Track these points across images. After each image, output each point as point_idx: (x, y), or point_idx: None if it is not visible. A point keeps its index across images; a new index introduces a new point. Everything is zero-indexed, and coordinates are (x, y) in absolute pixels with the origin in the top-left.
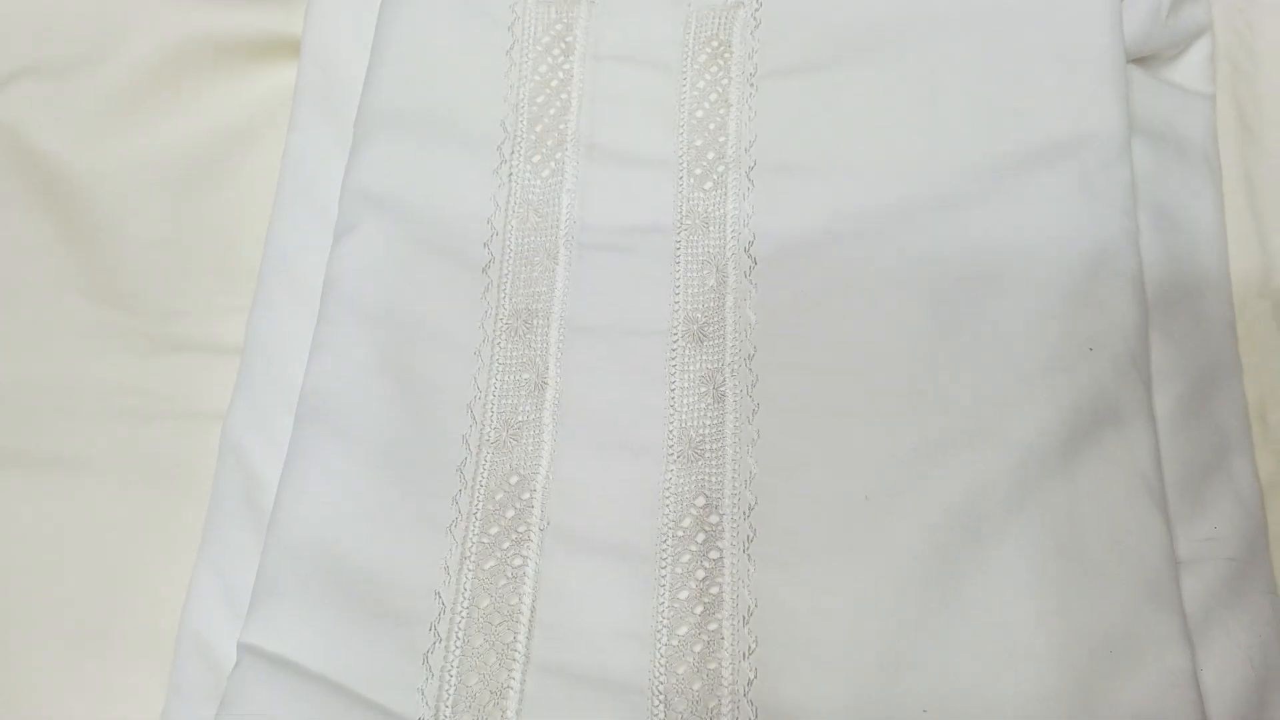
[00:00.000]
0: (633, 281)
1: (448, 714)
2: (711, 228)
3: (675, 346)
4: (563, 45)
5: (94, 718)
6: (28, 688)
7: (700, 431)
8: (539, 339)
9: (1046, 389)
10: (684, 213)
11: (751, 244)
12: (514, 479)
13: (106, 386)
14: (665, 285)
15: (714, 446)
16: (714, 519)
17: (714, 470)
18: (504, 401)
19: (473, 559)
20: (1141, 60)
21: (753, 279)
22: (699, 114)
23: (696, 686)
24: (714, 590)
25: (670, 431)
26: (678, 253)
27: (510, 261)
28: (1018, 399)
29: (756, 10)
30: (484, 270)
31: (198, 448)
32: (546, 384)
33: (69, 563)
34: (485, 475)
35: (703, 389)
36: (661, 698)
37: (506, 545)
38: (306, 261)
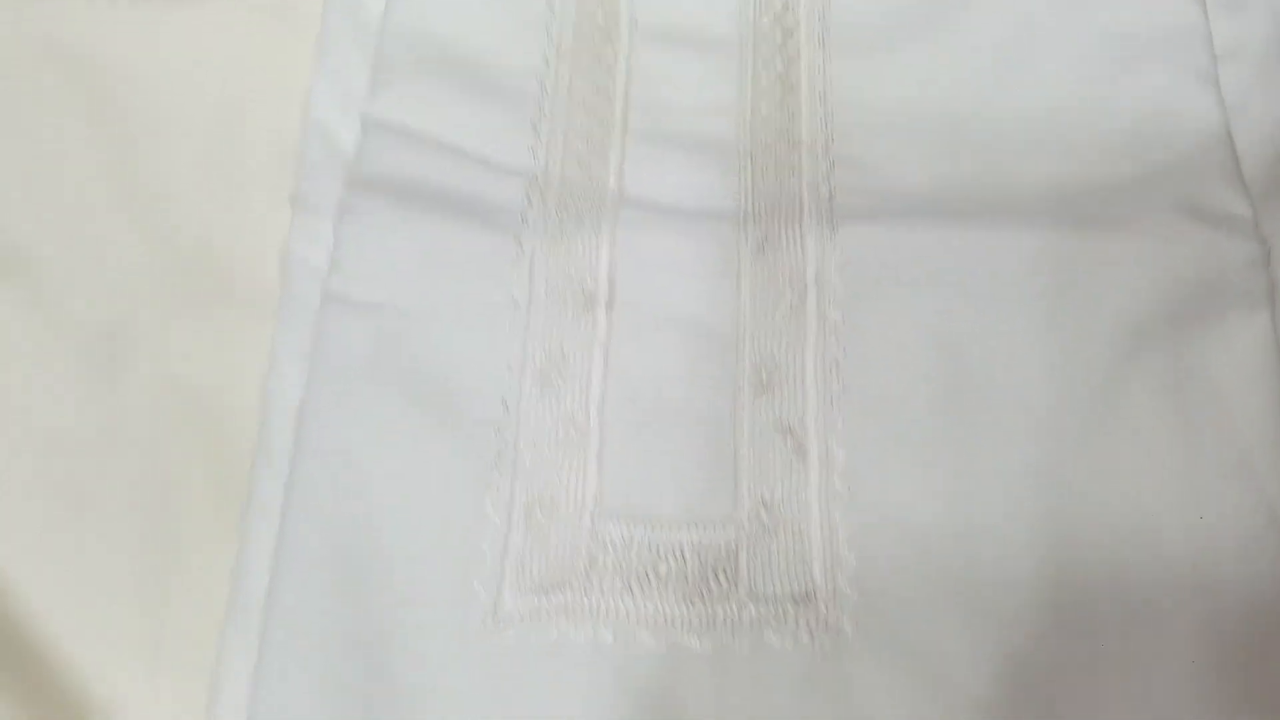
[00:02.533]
0: None
1: (556, 169)
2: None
3: None
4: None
5: (225, 214)
6: (164, 195)
7: None
8: None
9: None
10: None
11: None
12: None
13: None
14: None
15: None
16: (790, 20)
17: None
18: None
19: (569, 52)
20: None
21: None
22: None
23: (780, 147)
24: (792, 76)
25: None
26: None
27: None
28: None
29: None
30: None
31: None
32: None
33: (197, 81)
34: None
35: None
36: (748, 156)
37: (598, 39)
38: None
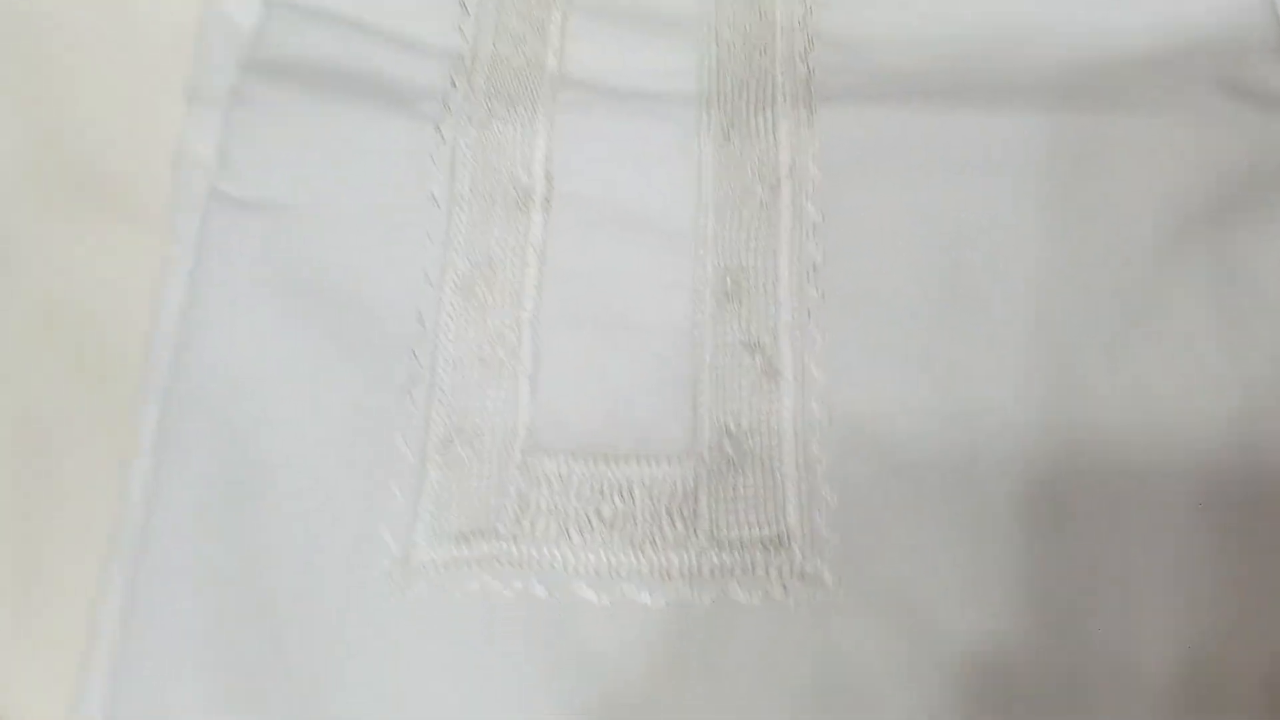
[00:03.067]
0: None
1: (487, 46)
2: None
3: None
4: None
5: (118, 113)
6: (49, 93)
7: None
8: None
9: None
10: None
11: None
12: None
13: None
14: None
15: None
16: None
17: None
18: None
19: None
20: None
21: None
22: None
23: (750, 20)
24: None
25: None
26: None
27: None
28: None
29: None
30: None
31: None
32: None
33: None
34: None
35: None
36: (713, 30)
37: None
38: None
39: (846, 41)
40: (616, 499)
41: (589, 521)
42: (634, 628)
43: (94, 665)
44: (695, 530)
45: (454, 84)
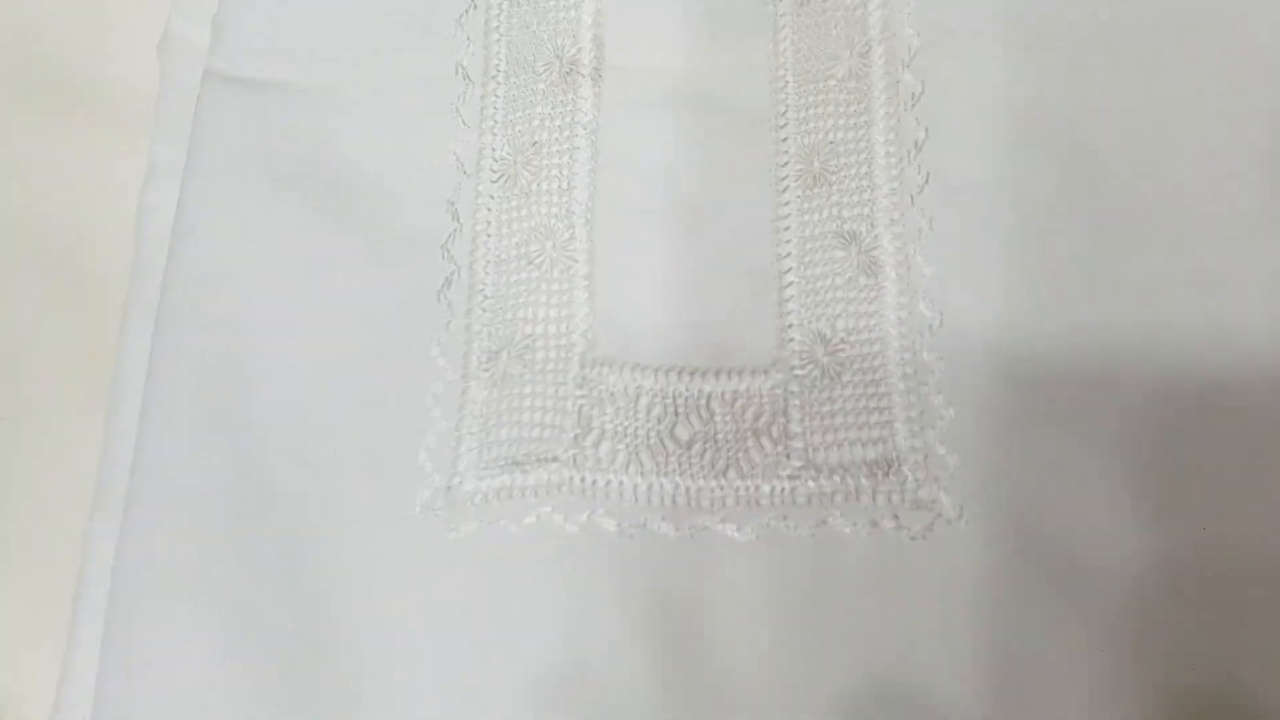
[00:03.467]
0: None
1: None
2: None
3: None
4: None
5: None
6: None
7: None
8: None
9: None
10: None
11: None
12: None
13: None
14: None
15: None
16: None
17: None
18: None
19: None
20: None
21: None
22: None
23: None
24: None
25: None
26: None
27: None
28: None
29: None
30: None
31: None
32: None
33: None
34: None
35: None
36: None
37: None
38: None
39: None
40: (693, 418)
41: (662, 444)
42: (719, 565)
43: (82, 619)
44: (788, 452)
45: None
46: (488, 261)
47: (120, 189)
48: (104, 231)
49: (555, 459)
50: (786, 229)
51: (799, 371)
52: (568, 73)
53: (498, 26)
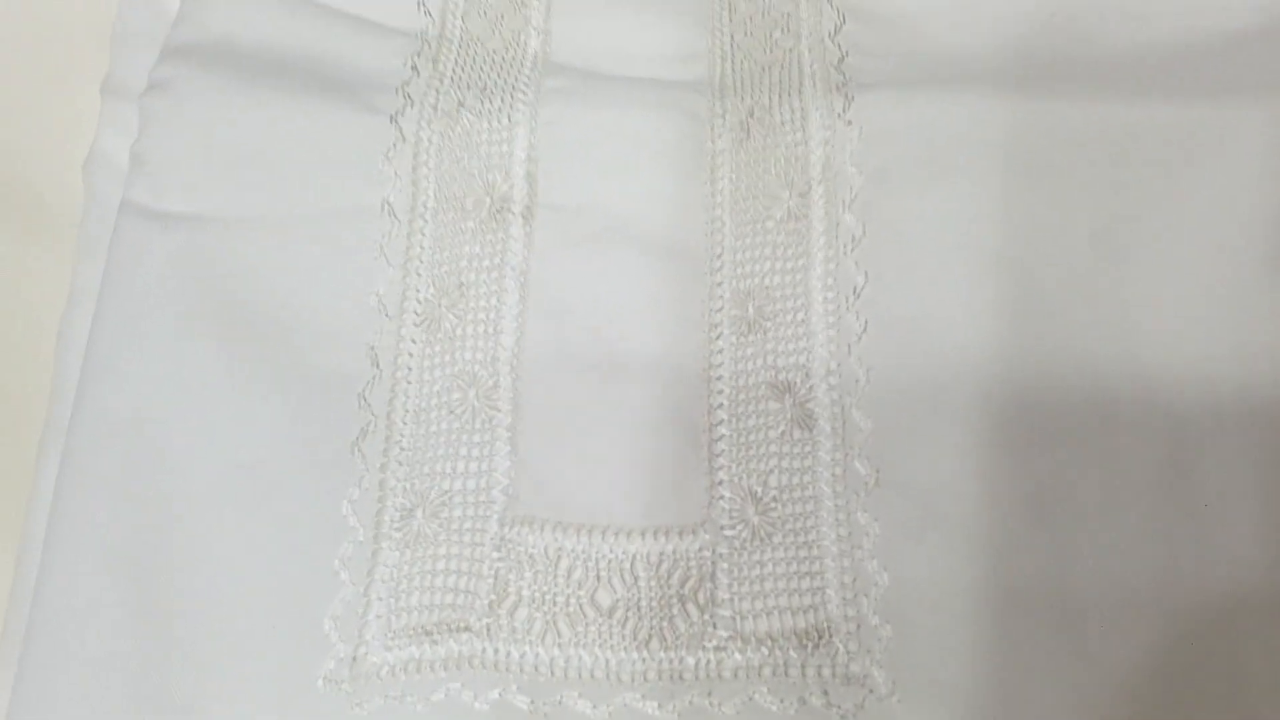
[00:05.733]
0: None
1: (455, 25)
2: None
3: None
4: None
5: (32, 111)
6: None
7: None
8: None
9: None
10: None
11: None
12: None
13: None
14: None
15: None
16: None
17: None
18: None
19: None
20: None
21: None
22: None
23: None
24: None
25: None
26: None
27: None
28: None
29: None
30: None
31: None
32: None
33: None
34: None
35: None
36: (726, 5)
37: None
38: None
39: (883, 15)
40: (615, 582)
41: (582, 611)
42: None
43: None
44: (714, 621)
45: (415, 69)
46: (406, 411)
47: (45, 305)
48: (26, 349)
49: (468, 629)
50: (719, 379)
51: (728, 532)
52: (498, 210)
53: (426, 161)
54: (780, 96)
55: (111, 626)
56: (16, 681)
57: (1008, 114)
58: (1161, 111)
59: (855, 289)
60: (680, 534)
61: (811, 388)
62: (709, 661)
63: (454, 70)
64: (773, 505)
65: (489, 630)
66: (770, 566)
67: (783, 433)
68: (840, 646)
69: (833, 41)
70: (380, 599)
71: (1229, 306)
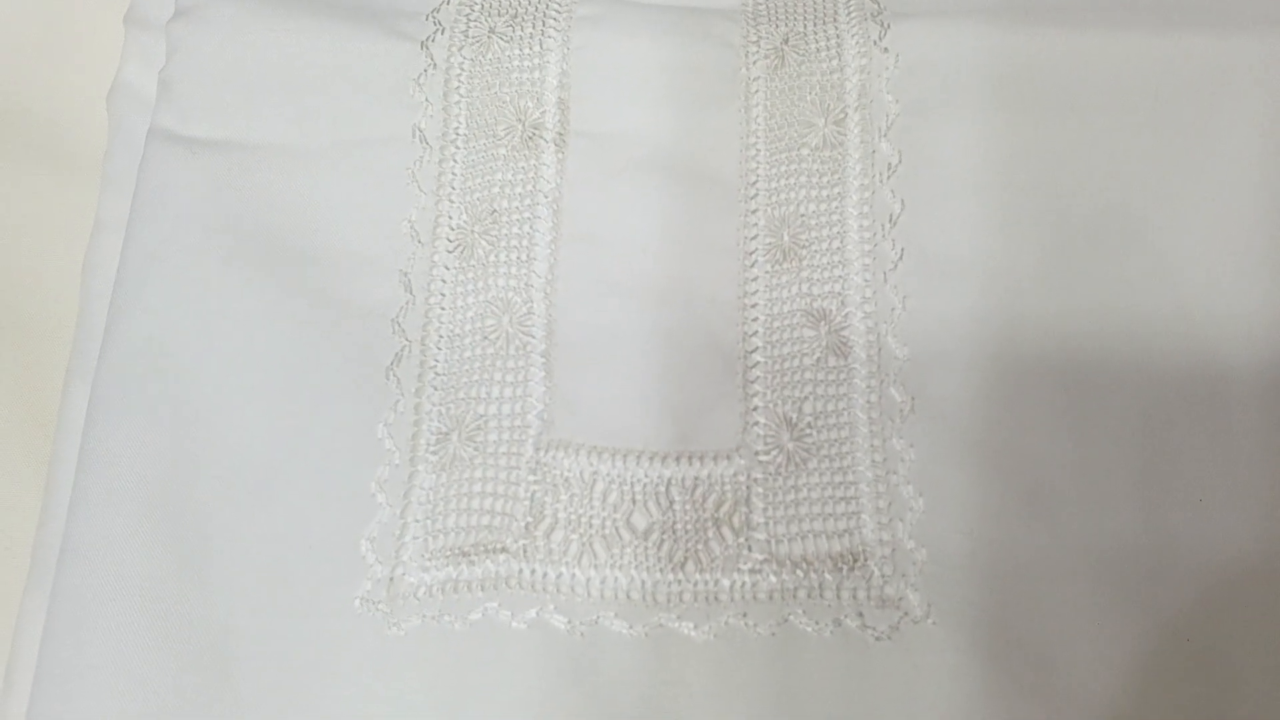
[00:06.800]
0: None
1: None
2: None
3: None
4: None
5: (49, 45)
6: None
7: None
8: None
9: None
10: None
11: None
12: None
13: None
14: None
15: None
16: None
17: None
18: None
19: None
20: None
21: None
22: None
23: None
24: None
25: None
26: None
27: None
28: None
29: None
30: None
31: None
32: None
33: None
34: None
35: None
36: None
37: None
38: None
39: None
40: (651, 505)
41: (618, 534)
42: (674, 666)
43: (12, 695)
44: (749, 544)
45: None
46: (440, 336)
47: (67, 240)
48: (50, 285)
49: (504, 550)
50: (754, 306)
51: (763, 457)
52: (530, 137)
53: (458, 88)
54: (815, 24)
55: (145, 551)
56: (50, 608)
57: (1044, 45)
58: (1199, 42)
59: (891, 217)
60: (715, 459)
61: (847, 315)
62: (744, 584)
63: None
64: (807, 431)
65: (525, 552)
66: (805, 491)
67: (818, 360)
68: (875, 570)
69: None
70: (417, 521)
71: (1274, 245)
